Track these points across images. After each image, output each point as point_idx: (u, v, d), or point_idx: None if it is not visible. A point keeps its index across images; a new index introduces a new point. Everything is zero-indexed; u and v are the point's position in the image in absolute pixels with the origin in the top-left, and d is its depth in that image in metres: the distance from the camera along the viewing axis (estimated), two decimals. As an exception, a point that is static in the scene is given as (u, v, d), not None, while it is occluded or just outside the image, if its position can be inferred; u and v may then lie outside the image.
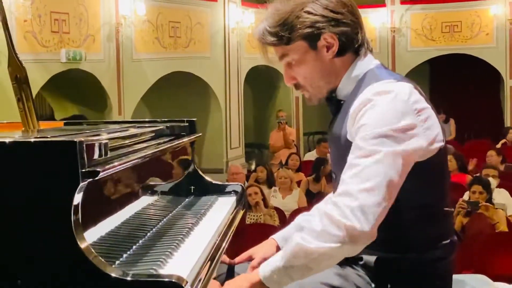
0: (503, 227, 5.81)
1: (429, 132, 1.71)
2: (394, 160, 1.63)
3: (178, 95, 11.05)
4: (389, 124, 1.64)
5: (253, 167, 11.19)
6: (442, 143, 1.77)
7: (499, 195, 6.58)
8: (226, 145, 11.75)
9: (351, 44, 1.80)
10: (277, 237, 2.16)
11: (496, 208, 6.01)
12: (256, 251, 2.12)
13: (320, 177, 7.97)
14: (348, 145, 1.73)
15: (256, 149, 13.81)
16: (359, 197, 1.60)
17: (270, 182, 7.85)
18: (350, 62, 1.82)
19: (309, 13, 1.76)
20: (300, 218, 2.19)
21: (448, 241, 1.85)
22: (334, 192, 1.94)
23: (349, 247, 1.62)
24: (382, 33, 13.76)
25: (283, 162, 9.40)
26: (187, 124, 2.84)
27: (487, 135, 13.06)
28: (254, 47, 13.00)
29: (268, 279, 1.71)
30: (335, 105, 1.87)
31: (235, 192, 2.83)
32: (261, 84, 13.94)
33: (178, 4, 10.54)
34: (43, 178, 1.48)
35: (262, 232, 5.77)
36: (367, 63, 1.83)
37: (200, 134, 2.95)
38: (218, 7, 11.46)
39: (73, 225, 1.44)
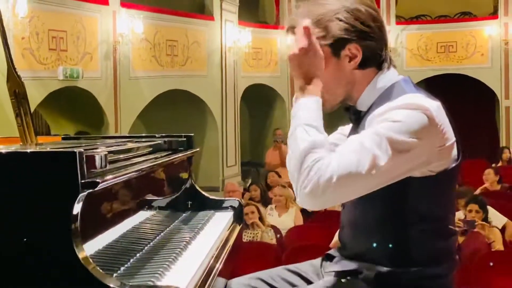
0: (499, 246, 5.82)
1: (445, 151, 1.72)
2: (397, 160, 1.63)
3: (175, 113, 11.07)
4: (408, 132, 1.63)
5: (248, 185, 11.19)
6: (455, 163, 1.77)
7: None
8: (222, 163, 11.75)
9: (374, 58, 1.80)
10: None
11: (492, 227, 6.02)
12: None
13: None
14: None
15: (252, 167, 13.81)
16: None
17: (265, 200, 7.85)
18: (371, 76, 1.82)
19: (340, 20, 1.76)
20: None
21: (451, 258, 1.85)
22: (342, 207, 1.95)
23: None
24: (378, 53, 13.85)
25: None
26: (185, 139, 2.85)
27: (483, 155, 13.10)
28: (251, 65, 13.10)
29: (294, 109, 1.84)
30: (355, 115, 1.88)
31: (232, 207, 2.83)
32: (257, 102, 13.98)
33: (175, 22, 10.60)
34: (43, 188, 1.49)
35: (258, 250, 5.77)
36: (392, 75, 1.84)
37: (198, 149, 2.96)
38: (215, 26, 11.52)
39: (72, 235, 1.45)
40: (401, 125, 1.64)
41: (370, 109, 1.81)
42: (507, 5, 13.36)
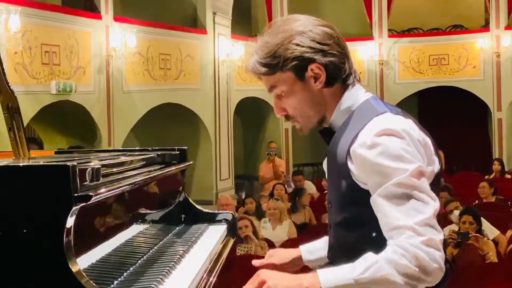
0: (493, 258, 5.82)
1: (429, 160, 1.76)
2: (427, 197, 1.67)
3: (168, 127, 11.07)
4: (408, 164, 1.66)
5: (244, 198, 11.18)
6: (436, 169, 1.80)
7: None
8: (216, 177, 11.74)
9: (339, 74, 1.83)
10: (303, 247, 2.13)
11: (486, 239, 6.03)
12: (276, 253, 2.11)
13: (297, 208, 8.04)
14: (344, 175, 1.76)
15: (246, 180, 13.80)
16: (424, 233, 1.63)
17: (259, 213, 7.84)
18: (340, 93, 1.85)
19: (297, 45, 1.79)
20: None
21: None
22: (329, 221, 1.95)
23: (424, 282, 1.65)
24: (371, 65, 13.90)
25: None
26: (178, 152, 2.85)
27: (476, 167, 13.14)
28: (244, 79, 13.13)
29: None
30: (328, 136, 1.89)
31: (226, 220, 2.83)
32: (251, 115, 14.00)
33: (168, 36, 10.62)
34: (36, 202, 1.48)
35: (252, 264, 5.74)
36: (357, 93, 1.86)
37: (191, 162, 2.96)
38: (208, 39, 11.55)
39: (65, 248, 1.44)
40: (398, 156, 1.67)
41: (340, 127, 1.84)
42: (498, 18, 13.45)
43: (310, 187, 10.28)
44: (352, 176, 1.75)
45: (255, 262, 2.08)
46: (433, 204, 1.67)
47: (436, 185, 1.83)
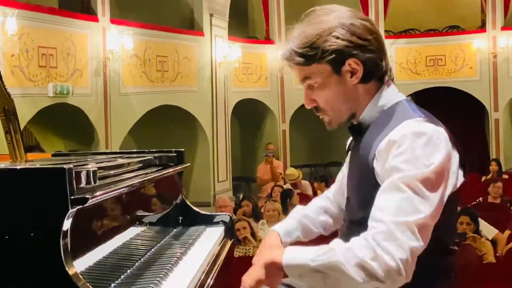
0: (490, 258, 5.82)
1: (453, 174, 1.74)
2: (425, 206, 1.64)
3: (166, 129, 11.06)
4: (422, 169, 1.64)
5: (240, 200, 11.17)
6: (460, 183, 1.78)
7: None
8: (213, 178, 11.73)
9: (376, 71, 1.80)
10: (280, 230, 2.12)
11: (483, 239, 6.03)
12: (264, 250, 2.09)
13: (288, 209, 8.04)
14: (368, 174, 1.74)
15: (244, 182, 13.80)
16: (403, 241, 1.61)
17: (256, 215, 7.83)
18: (374, 90, 1.83)
19: (336, 38, 1.75)
20: (299, 213, 2.16)
21: (448, 276, 1.85)
22: (346, 216, 1.95)
23: (381, 282, 1.63)
24: (368, 67, 13.90)
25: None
26: (175, 154, 2.84)
27: (473, 167, 13.13)
28: (241, 80, 13.13)
29: (290, 268, 1.72)
30: (357, 132, 1.87)
31: (224, 222, 2.83)
32: (248, 117, 14.00)
33: (165, 38, 10.62)
34: (32, 205, 1.48)
35: (250, 265, 5.74)
36: (393, 93, 1.84)
37: (188, 164, 2.96)
38: (205, 41, 11.55)
39: (62, 251, 1.44)
40: (417, 169, 1.65)
41: (371, 126, 1.81)
42: (494, 19, 13.47)
43: (307, 186, 10.30)
44: (376, 176, 1.73)
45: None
46: (426, 215, 1.63)
47: (457, 198, 1.82)
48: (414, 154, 1.65)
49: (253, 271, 1.82)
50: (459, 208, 6.82)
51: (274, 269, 1.76)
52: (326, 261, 1.66)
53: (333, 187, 2.20)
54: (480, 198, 8.86)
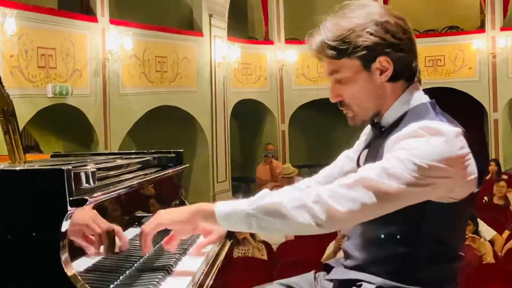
0: (490, 258, 5.82)
1: (464, 180, 1.70)
2: (403, 195, 1.63)
3: (165, 129, 11.07)
4: (426, 159, 1.62)
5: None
6: (476, 189, 1.75)
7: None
8: (213, 179, 11.74)
9: (406, 71, 1.78)
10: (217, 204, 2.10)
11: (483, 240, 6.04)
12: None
13: None
14: None
15: (243, 182, 13.80)
16: (354, 194, 1.61)
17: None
18: (401, 90, 1.80)
19: (370, 34, 1.73)
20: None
21: (453, 281, 1.85)
22: None
23: (321, 227, 1.62)
24: (367, 67, 13.90)
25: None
26: (174, 155, 2.84)
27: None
28: (241, 81, 13.15)
29: (223, 215, 1.70)
30: (379, 131, 1.85)
31: (223, 223, 2.82)
32: (247, 117, 14.01)
33: (164, 39, 10.63)
34: (31, 206, 1.48)
35: (250, 265, 5.75)
36: (420, 96, 1.82)
37: (188, 165, 2.95)
38: (205, 42, 11.56)
39: (60, 252, 1.44)
40: (421, 156, 1.63)
41: (393, 125, 1.79)
42: (494, 19, 13.49)
43: None
44: (384, 152, 1.71)
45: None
46: (397, 189, 1.61)
47: (472, 205, 1.80)
48: (425, 147, 1.63)
49: (162, 215, 1.83)
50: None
51: (199, 217, 1.76)
52: (264, 205, 1.66)
53: (320, 179, 2.14)
54: (486, 198, 8.86)
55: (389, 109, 1.81)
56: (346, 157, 2.11)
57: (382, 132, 1.83)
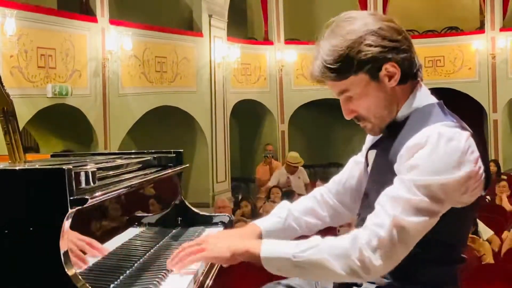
0: (489, 259, 5.82)
1: (476, 184, 1.71)
2: (429, 214, 1.65)
3: (164, 130, 11.07)
4: (442, 174, 1.64)
5: (239, 201, 11.15)
6: (483, 192, 1.76)
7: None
8: (212, 179, 11.73)
9: (412, 69, 1.79)
10: (262, 226, 2.06)
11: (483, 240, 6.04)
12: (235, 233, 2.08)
13: None
14: (391, 172, 1.73)
15: (243, 183, 13.80)
16: (389, 234, 1.62)
17: (255, 216, 7.83)
18: (410, 89, 1.81)
19: (369, 45, 1.72)
20: (286, 210, 2.11)
21: (453, 283, 1.85)
22: (361, 212, 1.93)
23: (360, 278, 1.66)
24: (367, 67, 13.88)
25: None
26: (174, 155, 2.84)
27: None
28: (240, 81, 13.14)
29: (268, 260, 1.72)
30: (386, 130, 1.85)
31: (223, 223, 2.83)
32: (247, 118, 14.00)
33: (164, 39, 10.63)
34: (32, 205, 1.48)
35: (250, 265, 5.74)
36: (426, 94, 1.84)
37: (187, 165, 2.96)
38: (204, 42, 11.56)
39: (61, 251, 1.44)
40: (436, 172, 1.64)
41: (401, 124, 1.79)
42: (493, 20, 13.49)
43: (305, 175, 10.29)
44: (395, 165, 1.72)
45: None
46: (424, 221, 1.64)
47: (476, 209, 1.82)
48: (437, 158, 1.64)
49: (209, 245, 1.81)
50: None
51: (245, 258, 1.77)
52: (310, 257, 1.67)
53: (332, 186, 2.15)
54: (488, 197, 8.86)
55: (401, 110, 1.81)
56: (354, 163, 2.11)
57: (390, 132, 1.82)
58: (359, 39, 1.73)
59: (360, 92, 1.77)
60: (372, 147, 1.93)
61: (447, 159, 1.64)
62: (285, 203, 2.16)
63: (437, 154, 1.65)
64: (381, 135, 1.88)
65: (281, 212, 2.10)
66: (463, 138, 1.70)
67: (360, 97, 1.78)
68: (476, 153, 1.71)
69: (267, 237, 2.01)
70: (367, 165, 1.93)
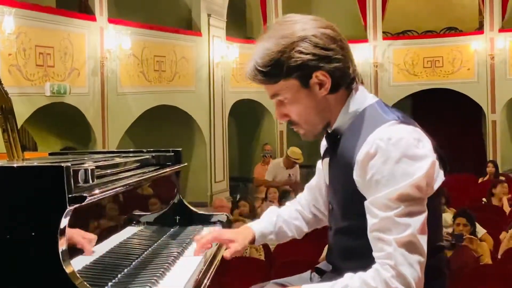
0: (487, 259, 5.83)
1: (435, 172, 1.72)
2: (417, 214, 1.65)
3: (163, 129, 11.06)
4: (407, 177, 1.64)
5: (237, 200, 11.14)
6: (443, 177, 1.78)
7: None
8: (210, 179, 11.73)
9: (344, 79, 1.77)
10: (256, 229, 2.14)
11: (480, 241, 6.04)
12: (237, 238, 2.10)
13: None
14: (348, 184, 1.73)
15: (241, 182, 13.79)
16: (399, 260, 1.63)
17: (253, 215, 7.83)
18: (345, 97, 1.80)
19: (300, 52, 1.71)
20: (276, 215, 2.18)
21: (440, 274, 1.85)
22: (330, 224, 1.94)
23: None
24: (365, 68, 13.90)
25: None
26: (173, 154, 2.84)
27: (470, 168, 13.16)
28: (239, 81, 13.13)
29: None
30: (333, 140, 1.85)
31: (221, 222, 2.82)
32: (245, 117, 14.00)
33: (163, 38, 10.62)
34: (30, 203, 1.48)
35: (247, 265, 5.75)
36: (363, 97, 1.82)
37: (186, 164, 2.96)
38: (203, 41, 11.55)
39: (59, 249, 1.44)
40: (397, 181, 1.64)
41: (345, 133, 1.80)
42: (492, 20, 13.50)
43: (296, 174, 10.25)
44: (357, 184, 1.72)
45: (225, 255, 2.07)
46: (419, 225, 1.64)
47: (440, 194, 1.82)
48: (394, 166, 1.64)
49: None
50: (449, 211, 6.87)
51: None
52: None
53: (305, 192, 2.21)
54: (484, 199, 8.86)
55: (338, 118, 1.81)
56: (318, 169, 2.13)
57: (335, 140, 1.83)
58: (291, 45, 1.73)
59: (290, 97, 1.78)
60: (324, 155, 1.95)
61: (404, 160, 1.64)
62: (273, 208, 2.24)
63: (392, 160, 1.64)
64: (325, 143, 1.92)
65: (271, 216, 2.17)
66: (410, 132, 1.69)
67: (291, 102, 1.80)
68: (427, 142, 1.72)
69: (261, 239, 2.12)
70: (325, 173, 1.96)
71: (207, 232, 2.18)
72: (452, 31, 14.98)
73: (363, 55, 13.87)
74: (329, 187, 1.94)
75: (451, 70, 13.78)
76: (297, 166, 10.38)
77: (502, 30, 13.43)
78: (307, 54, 1.72)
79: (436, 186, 1.74)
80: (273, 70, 1.75)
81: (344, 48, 1.79)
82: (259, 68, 1.78)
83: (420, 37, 14.65)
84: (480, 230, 6.42)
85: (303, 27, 1.76)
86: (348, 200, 1.78)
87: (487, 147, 13.76)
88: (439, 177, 1.76)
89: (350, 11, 14.37)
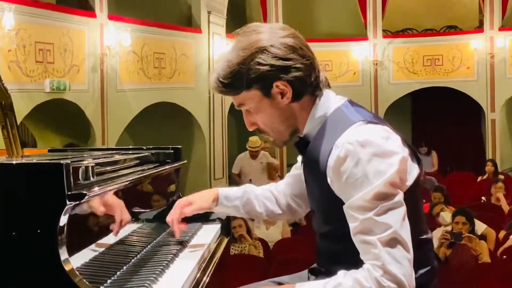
0: (486, 258, 5.83)
1: (408, 168, 1.73)
2: (395, 207, 1.66)
3: (162, 126, 11.06)
4: (379, 176, 1.65)
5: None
6: (418, 172, 1.78)
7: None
8: (210, 176, 11.73)
9: (305, 87, 1.79)
10: (221, 191, 2.22)
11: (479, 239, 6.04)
12: (195, 199, 2.21)
13: None
14: (324, 189, 1.75)
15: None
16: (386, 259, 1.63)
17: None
18: (310, 103, 1.82)
19: (259, 64, 1.74)
20: (248, 187, 2.23)
21: (428, 268, 1.85)
22: (314, 229, 1.95)
23: None
24: (365, 66, 13.91)
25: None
26: (172, 151, 2.84)
27: (469, 167, 13.17)
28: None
29: None
30: (304, 146, 1.87)
31: (220, 219, 2.82)
32: (245, 115, 13.97)
33: (163, 35, 10.61)
34: (29, 200, 1.48)
35: (246, 263, 5.75)
36: (328, 101, 1.83)
37: (185, 161, 2.96)
38: (203, 38, 11.55)
39: (58, 246, 1.44)
40: (371, 182, 1.65)
41: (314, 138, 1.82)
42: (492, 19, 13.50)
43: (269, 159, 10.20)
44: (332, 188, 1.73)
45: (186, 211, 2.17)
46: (402, 210, 1.66)
47: (417, 188, 1.82)
48: (365, 166, 1.65)
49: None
50: (447, 210, 6.86)
51: None
52: None
53: (285, 181, 2.24)
54: (484, 198, 8.87)
55: (306, 124, 1.84)
56: (299, 161, 2.12)
57: (306, 147, 1.85)
58: (250, 57, 1.75)
59: (254, 107, 1.82)
60: (302, 160, 1.96)
61: (374, 159, 1.66)
62: (250, 184, 2.29)
63: (362, 161, 1.66)
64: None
65: (243, 187, 2.25)
66: (377, 131, 1.71)
67: (256, 111, 1.83)
68: (396, 138, 1.74)
69: (226, 201, 2.18)
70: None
71: (173, 210, 2.18)
72: (452, 29, 14.98)
73: (362, 53, 13.86)
74: (308, 193, 1.96)
75: (450, 68, 13.78)
76: (265, 153, 10.32)
77: (502, 28, 13.43)
78: (265, 65, 1.74)
79: (411, 180, 1.75)
80: (234, 82, 1.78)
81: (305, 56, 1.79)
82: (221, 80, 1.80)
83: (420, 35, 14.64)
84: (481, 226, 6.43)
85: (263, 37, 1.77)
86: (327, 206, 1.80)
87: (486, 146, 13.76)
88: (413, 171, 1.77)
89: (350, 9, 14.36)
